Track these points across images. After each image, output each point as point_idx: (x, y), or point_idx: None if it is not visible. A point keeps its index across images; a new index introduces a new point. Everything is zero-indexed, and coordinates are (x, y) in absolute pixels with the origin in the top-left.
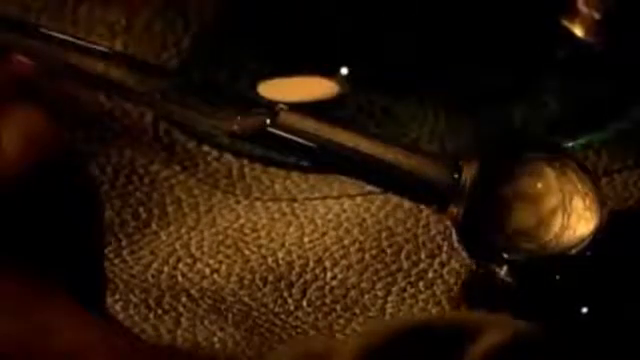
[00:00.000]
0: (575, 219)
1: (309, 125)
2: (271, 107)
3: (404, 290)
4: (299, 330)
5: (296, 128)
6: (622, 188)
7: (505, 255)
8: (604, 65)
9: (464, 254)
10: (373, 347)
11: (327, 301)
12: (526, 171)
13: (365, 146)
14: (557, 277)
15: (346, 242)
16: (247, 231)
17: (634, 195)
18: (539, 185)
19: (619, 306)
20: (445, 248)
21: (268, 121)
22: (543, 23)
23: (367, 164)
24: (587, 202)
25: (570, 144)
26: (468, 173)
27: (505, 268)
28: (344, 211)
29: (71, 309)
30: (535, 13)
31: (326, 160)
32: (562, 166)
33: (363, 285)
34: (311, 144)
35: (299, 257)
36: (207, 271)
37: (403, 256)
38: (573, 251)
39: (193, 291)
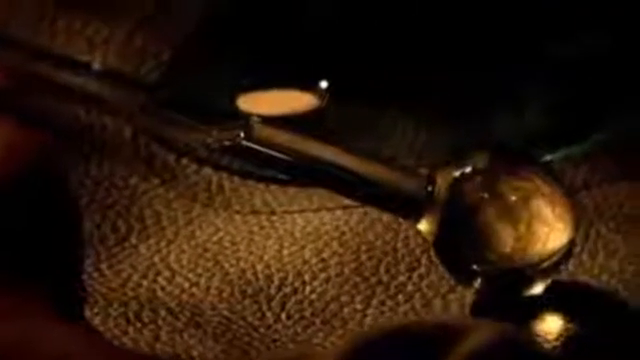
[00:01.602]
0: (545, 230)
1: (283, 138)
2: (245, 120)
3: (383, 303)
4: (278, 343)
5: (270, 141)
6: (602, 200)
7: (475, 267)
8: (583, 76)
9: (441, 265)
10: (355, 351)
11: (306, 314)
12: (494, 182)
13: (338, 159)
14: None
15: (325, 255)
16: (226, 244)
17: (613, 208)
18: (508, 196)
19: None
20: (424, 261)
21: (242, 134)
22: (523, 35)
23: (341, 177)
24: (557, 211)
25: (549, 156)
26: (442, 185)
27: (479, 280)
28: (323, 224)
29: (54, 319)
30: (515, 25)
31: (300, 173)
32: (530, 175)
33: (342, 298)
34: (285, 157)
35: (278, 270)
36: (186, 284)
37: (382, 269)
38: (545, 264)
39: (172, 304)
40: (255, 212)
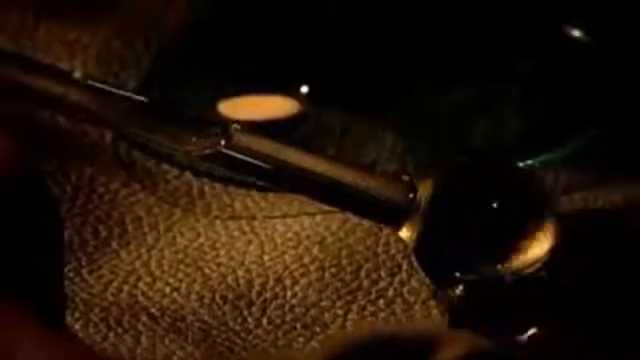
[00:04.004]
0: (527, 240)
1: (263, 146)
2: (226, 128)
3: (364, 308)
4: (259, 348)
5: (250, 149)
6: (582, 206)
7: (457, 275)
8: (565, 81)
9: (421, 273)
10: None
11: (287, 319)
12: (475, 189)
13: (319, 167)
14: (511, 295)
15: (306, 260)
16: (207, 249)
17: None
18: (490, 204)
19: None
20: (405, 267)
21: (223, 142)
22: (503, 39)
23: (321, 185)
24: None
25: (530, 162)
26: (423, 192)
27: (460, 287)
28: (304, 229)
29: (33, 327)
30: (496, 29)
31: (280, 181)
32: (511, 182)
33: (323, 303)
34: (265, 165)
35: (259, 275)
36: (167, 290)
37: (363, 274)
38: (526, 272)
39: (153, 310)
40: (236, 217)
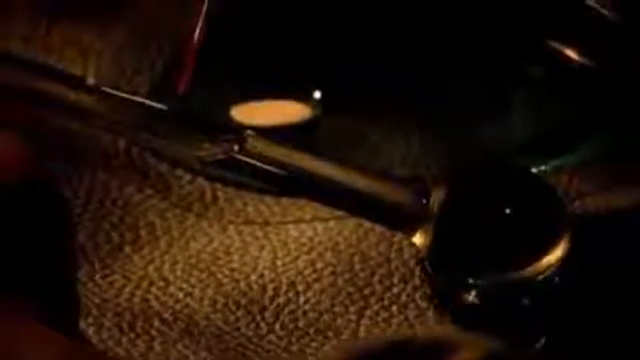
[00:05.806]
0: (540, 246)
1: (276, 152)
2: (239, 133)
3: (377, 314)
4: (272, 354)
5: (264, 155)
6: (595, 211)
7: (470, 280)
8: (574, 86)
9: (434, 278)
10: None
11: (300, 325)
12: (488, 195)
13: (332, 172)
14: (525, 300)
15: (319, 266)
16: (220, 255)
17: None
18: (504, 210)
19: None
20: (418, 272)
21: (236, 148)
22: (514, 43)
23: (334, 190)
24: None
25: (542, 167)
26: (437, 198)
27: (473, 292)
28: (317, 235)
29: (36, 328)
30: (505, 34)
31: (294, 187)
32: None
33: (336, 309)
34: (279, 171)
35: (272, 281)
36: (180, 295)
37: (376, 280)
38: (540, 277)
39: (166, 315)
40: (249, 223)
